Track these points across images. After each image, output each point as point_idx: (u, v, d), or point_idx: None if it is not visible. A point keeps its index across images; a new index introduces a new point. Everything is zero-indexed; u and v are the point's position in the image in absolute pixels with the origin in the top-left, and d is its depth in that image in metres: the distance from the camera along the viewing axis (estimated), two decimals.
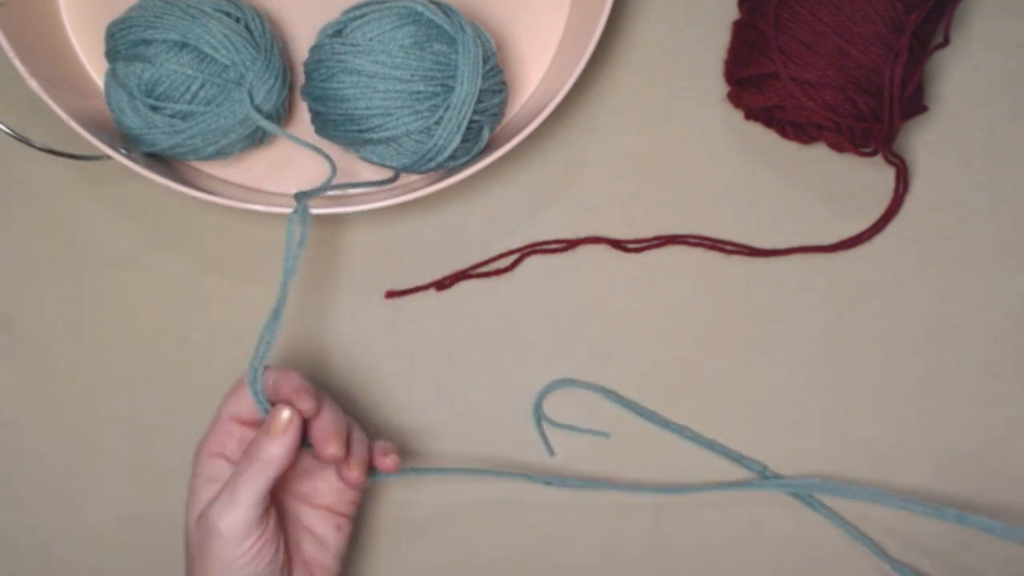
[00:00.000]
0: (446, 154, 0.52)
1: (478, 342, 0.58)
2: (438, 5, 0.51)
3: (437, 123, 0.50)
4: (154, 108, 0.51)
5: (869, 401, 0.57)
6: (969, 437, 0.57)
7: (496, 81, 0.52)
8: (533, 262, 0.58)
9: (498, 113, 0.54)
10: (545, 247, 0.58)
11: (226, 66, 0.51)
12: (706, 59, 0.58)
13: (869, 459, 0.57)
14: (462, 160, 0.53)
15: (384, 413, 0.57)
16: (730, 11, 0.57)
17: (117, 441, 0.57)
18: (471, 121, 0.51)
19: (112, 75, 0.52)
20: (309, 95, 0.52)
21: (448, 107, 0.50)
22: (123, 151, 0.52)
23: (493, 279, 0.58)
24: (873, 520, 0.57)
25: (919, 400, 0.57)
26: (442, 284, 0.57)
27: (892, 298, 0.57)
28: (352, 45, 0.50)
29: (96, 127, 0.52)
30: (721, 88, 0.57)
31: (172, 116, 0.51)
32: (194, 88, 0.50)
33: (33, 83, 0.50)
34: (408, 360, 0.58)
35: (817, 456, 0.57)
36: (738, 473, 0.57)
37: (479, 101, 0.51)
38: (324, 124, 0.52)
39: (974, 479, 0.57)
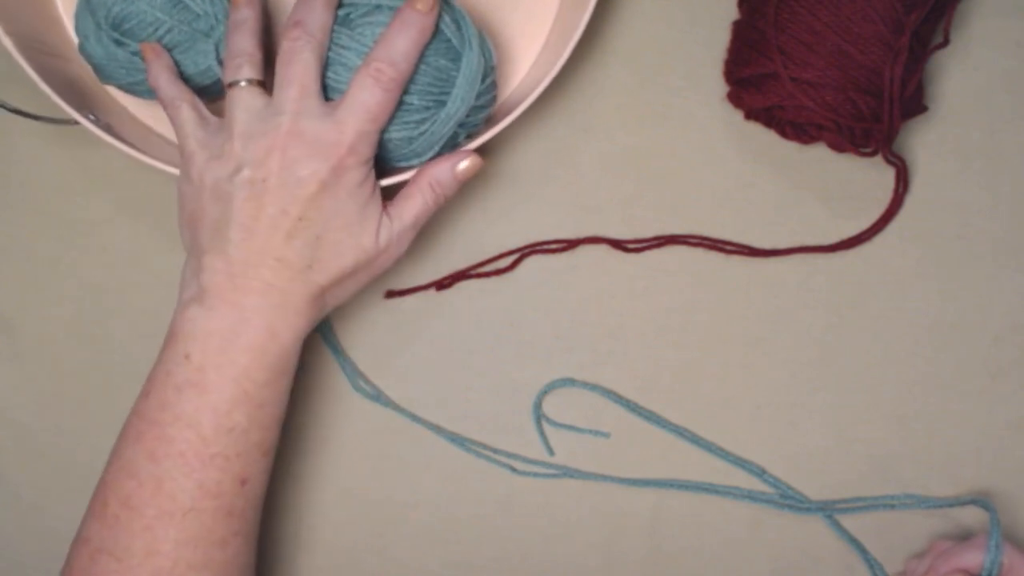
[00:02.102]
0: (419, 161, 0.51)
1: (478, 342, 0.58)
2: (450, 12, 0.50)
3: (420, 135, 0.50)
4: (118, 43, 0.51)
5: (869, 401, 0.57)
6: (969, 437, 0.57)
7: (488, 98, 0.52)
8: (533, 262, 0.58)
9: (479, 124, 0.53)
10: (545, 247, 0.58)
11: (198, 15, 0.51)
12: (706, 59, 0.58)
13: (869, 459, 0.57)
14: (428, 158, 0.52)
15: (383, 413, 0.57)
16: (730, 11, 0.57)
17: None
18: (452, 134, 0.51)
19: (85, 0, 0.52)
20: None
21: (434, 121, 0.50)
22: (91, 117, 0.52)
23: (493, 279, 0.58)
24: (869, 522, 0.57)
25: (919, 400, 0.57)
26: (442, 284, 0.58)
27: (892, 298, 0.57)
28: (357, 41, 0.49)
29: (72, 92, 0.52)
30: (721, 88, 0.57)
31: (134, 54, 0.51)
32: (161, 31, 0.51)
33: (7, 41, 0.50)
34: (408, 360, 0.58)
35: (817, 456, 0.57)
36: (737, 473, 0.57)
37: (465, 116, 0.50)
38: None
39: (974, 479, 0.57)
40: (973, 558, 0.49)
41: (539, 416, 0.57)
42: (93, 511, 0.47)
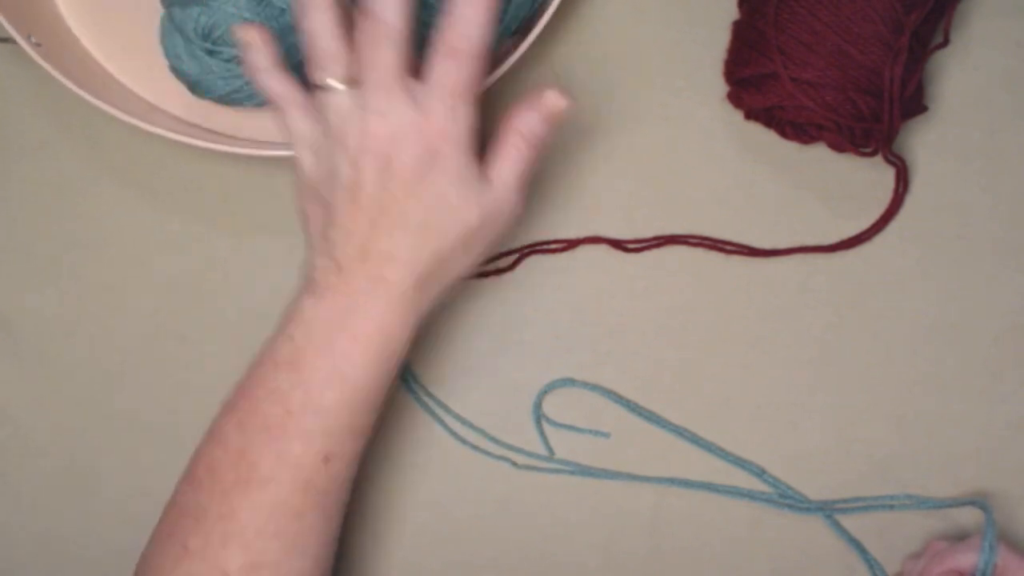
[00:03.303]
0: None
1: (478, 342, 0.58)
2: None
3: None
4: (210, 52, 0.51)
5: (869, 401, 0.57)
6: (969, 437, 0.57)
7: None
8: (533, 262, 0.58)
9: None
10: (545, 247, 0.58)
11: (283, 9, 0.50)
12: (706, 59, 0.58)
13: (869, 459, 0.57)
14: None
15: (383, 413, 0.57)
16: (730, 11, 0.57)
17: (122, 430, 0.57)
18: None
19: (168, 19, 0.52)
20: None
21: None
22: (33, 40, 0.51)
23: (493, 279, 0.58)
24: (869, 522, 0.57)
25: (919, 400, 0.57)
26: None
27: (892, 298, 0.57)
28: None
29: (26, 16, 0.51)
30: (721, 88, 0.57)
31: (228, 60, 0.51)
32: None
33: None
34: (407, 360, 0.58)
35: (817, 456, 0.57)
36: (737, 473, 0.57)
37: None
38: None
39: (973, 480, 0.57)
40: (967, 559, 0.49)
41: (539, 416, 0.57)
42: (185, 475, 0.49)
